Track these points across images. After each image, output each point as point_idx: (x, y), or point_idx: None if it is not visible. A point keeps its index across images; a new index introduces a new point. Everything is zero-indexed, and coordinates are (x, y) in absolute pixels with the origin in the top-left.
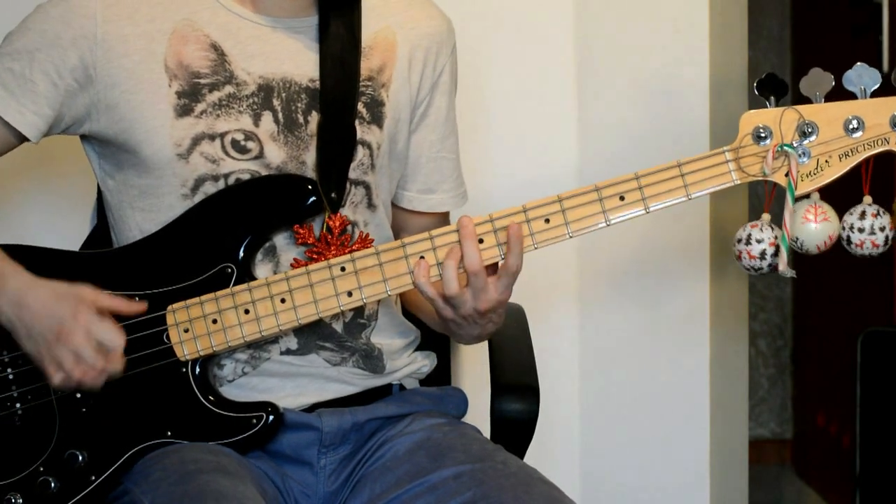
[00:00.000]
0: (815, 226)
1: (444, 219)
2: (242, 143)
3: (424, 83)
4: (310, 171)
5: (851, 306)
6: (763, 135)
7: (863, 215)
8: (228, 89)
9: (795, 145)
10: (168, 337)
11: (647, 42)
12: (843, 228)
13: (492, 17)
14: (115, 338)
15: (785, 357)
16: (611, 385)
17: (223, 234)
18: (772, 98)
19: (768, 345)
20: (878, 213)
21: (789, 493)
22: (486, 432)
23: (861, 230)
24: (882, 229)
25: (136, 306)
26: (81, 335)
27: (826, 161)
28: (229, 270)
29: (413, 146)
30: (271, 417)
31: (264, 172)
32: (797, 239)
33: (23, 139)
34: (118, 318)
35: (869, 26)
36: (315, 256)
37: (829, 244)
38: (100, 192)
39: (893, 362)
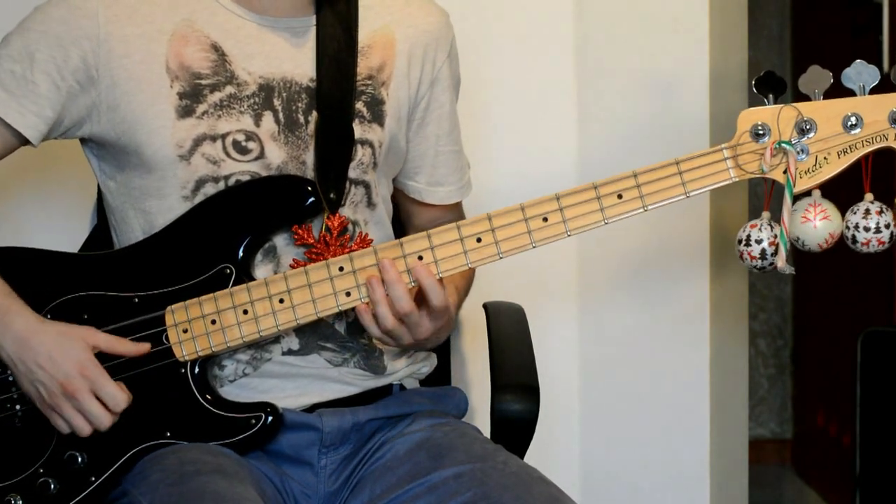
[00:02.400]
0: (814, 225)
1: (453, 209)
2: (243, 143)
3: (424, 79)
4: (310, 172)
5: (851, 306)
6: (761, 132)
7: (867, 214)
8: (229, 90)
9: (794, 142)
10: (167, 337)
11: (647, 41)
12: (848, 228)
13: (492, 15)
14: (119, 399)
15: (785, 357)
16: (611, 385)
17: (222, 234)
18: (770, 96)
19: (768, 345)
20: (881, 211)
21: (789, 493)
22: (487, 432)
23: (867, 229)
24: (887, 226)
25: (139, 347)
26: (86, 393)
27: (825, 158)
28: (228, 271)
29: (420, 141)
30: (270, 418)
31: (264, 173)
32: (798, 238)
33: (23, 141)
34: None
35: (869, 26)
36: (314, 257)
37: (830, 242)
38: (100, 193)
39: (893, 362)
